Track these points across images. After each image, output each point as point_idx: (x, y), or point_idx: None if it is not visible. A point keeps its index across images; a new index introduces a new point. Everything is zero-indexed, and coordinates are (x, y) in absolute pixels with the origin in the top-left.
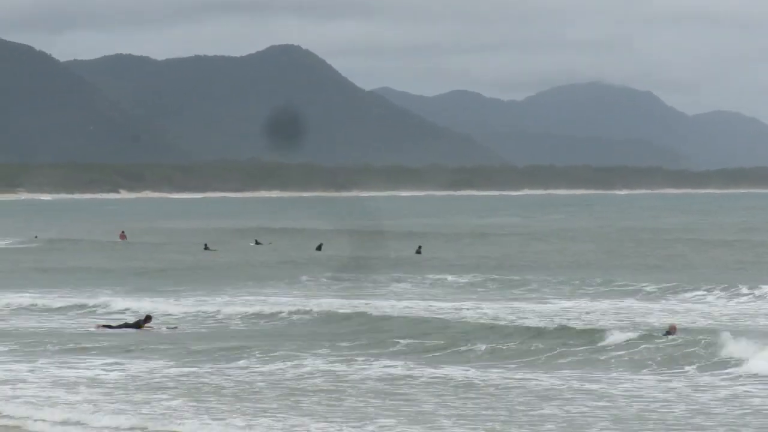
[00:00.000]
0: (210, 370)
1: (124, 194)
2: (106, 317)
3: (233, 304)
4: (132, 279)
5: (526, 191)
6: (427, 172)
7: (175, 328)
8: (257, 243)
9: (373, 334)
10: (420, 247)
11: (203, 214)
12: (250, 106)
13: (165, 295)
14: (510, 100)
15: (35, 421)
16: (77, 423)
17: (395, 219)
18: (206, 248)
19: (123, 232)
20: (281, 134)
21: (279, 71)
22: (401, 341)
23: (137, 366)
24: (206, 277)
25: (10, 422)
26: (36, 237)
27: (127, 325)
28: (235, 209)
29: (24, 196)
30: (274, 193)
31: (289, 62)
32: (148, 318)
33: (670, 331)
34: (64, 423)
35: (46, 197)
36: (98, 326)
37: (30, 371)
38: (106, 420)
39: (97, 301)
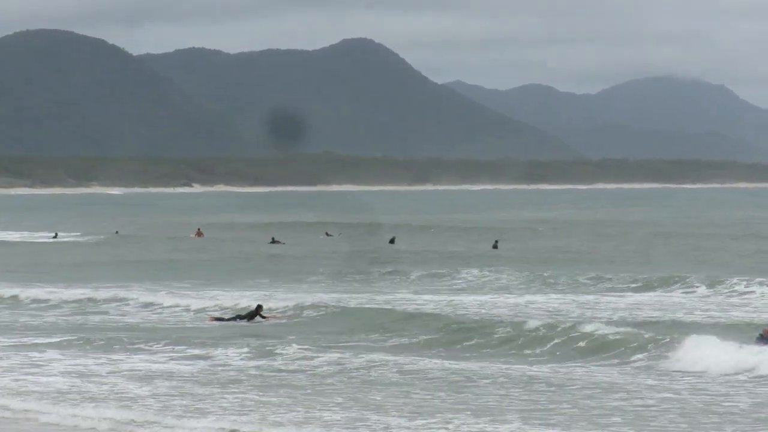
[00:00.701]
0: (283, 362)
1: (197, 188)
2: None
3: (300, 298)
4: (207, 272)
5: (600, 185)
6: (500, 165)
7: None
8: (328, 235)
9: (442, 328)
10: (497, 241)
11: (275, 208)
12: (323, 99)
13: (238, 288)
14: (584, 94)
15: (47, 414)
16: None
17: (470, 213)
18: (273, 241)
19: (199, 229)
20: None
21: (352, 65)
22: (469, 335)
23: (214, 359)
24: (274, 269)
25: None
26: (117, 232)
27: (239, 317)
28: (308, 203)
29: (96, 189)
30: (347, 187)
31: (361, 56)
32: (259, 308)
33: (765, 335)
34: (74, 416)
35: (115, 191)
36: (210, 319)
37: (104, 364)
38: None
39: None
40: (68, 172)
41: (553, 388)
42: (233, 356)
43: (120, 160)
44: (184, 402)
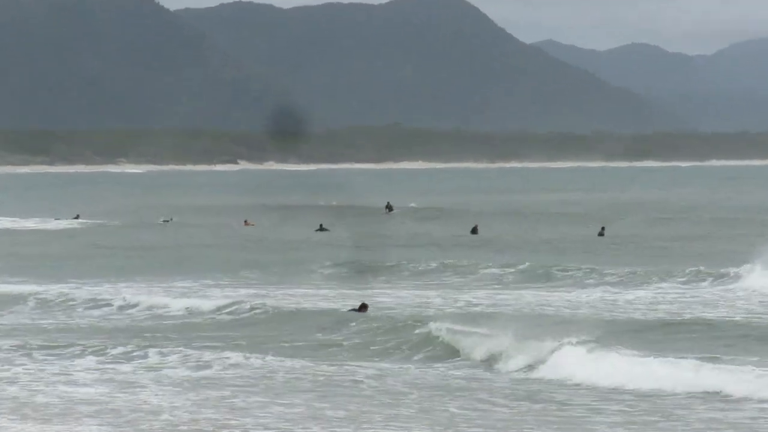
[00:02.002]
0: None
1: (243, 165)
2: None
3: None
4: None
5: (713, 162)
6: (597, 139)
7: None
8: (389, 209)
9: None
10: (603, 228)
11: (332, 188)
12: (390, 62)
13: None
14: (697, 55)
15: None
16: None
17: (565, 194)
18: (321, 229)
19: (246, 220)
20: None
21: (424, 21)
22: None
23: (275, 361)
24: (322, 262)
25: None
26: (171, 220)
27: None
28: (371, 182)
29: (125, 168)
30: (418, 164)
31: (434, 11)
32: (363, 307)
33: None
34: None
35: (136, 170)
36: None
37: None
38: None
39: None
40: (93, 148)
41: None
42: (294, 359)
43: (154, 134)
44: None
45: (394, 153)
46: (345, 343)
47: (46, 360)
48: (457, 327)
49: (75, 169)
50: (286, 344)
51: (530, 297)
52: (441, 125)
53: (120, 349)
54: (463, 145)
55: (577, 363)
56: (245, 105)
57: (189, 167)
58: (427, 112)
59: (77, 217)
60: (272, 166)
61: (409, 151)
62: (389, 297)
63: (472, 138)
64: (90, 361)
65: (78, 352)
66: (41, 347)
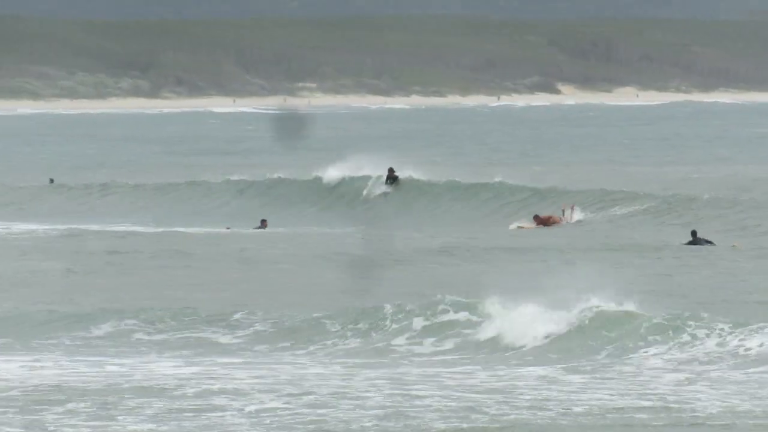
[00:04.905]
0: None
1: (568, 94)
2: None
3: None
4: None
5: None
6: None
7: None
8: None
9: None
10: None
11: None
12: None
13: None
14: None
15: None
16: None
17: None
18: (695, 240)
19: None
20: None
21: None
22: None
23: None
24: None
25: None
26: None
27: None
28: None
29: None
30: None
31: None
32: None
33: None
34: None
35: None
36: None
37: None
38: None
39: None
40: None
41: None
42: None
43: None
44: None
45: None
46: None
47: None
48: None
49: (217, 103)
50: None
51: None
52: None
53: None
54: None
55: None
56: None
57: (455, 99)
58: None
59: (266, 223)
60: (649, 96)
61: None
62: None
63: None
64: None
65: None
66: None
